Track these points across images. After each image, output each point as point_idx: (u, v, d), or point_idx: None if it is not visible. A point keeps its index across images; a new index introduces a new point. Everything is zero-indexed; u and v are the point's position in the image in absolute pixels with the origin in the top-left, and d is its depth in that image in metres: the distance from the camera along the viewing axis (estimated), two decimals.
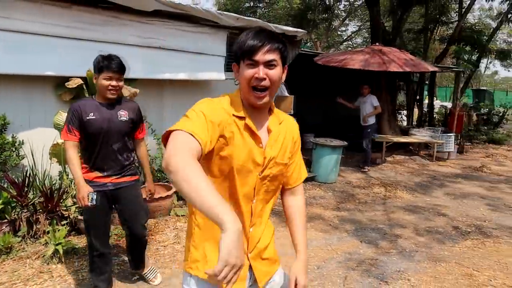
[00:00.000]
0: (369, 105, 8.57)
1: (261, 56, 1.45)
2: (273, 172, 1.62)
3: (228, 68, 6.39)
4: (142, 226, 3.36)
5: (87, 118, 2.96)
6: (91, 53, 4.61)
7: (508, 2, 12.99)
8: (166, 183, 5.45)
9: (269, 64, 1.46)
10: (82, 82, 4.59)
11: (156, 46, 5.32)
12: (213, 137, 1.41)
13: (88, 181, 3.03)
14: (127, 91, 4.85)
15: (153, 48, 5.31)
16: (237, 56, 1.52)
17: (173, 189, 5.28)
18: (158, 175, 5.58)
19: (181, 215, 5.20)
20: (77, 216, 4.40)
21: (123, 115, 3.08)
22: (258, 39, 1.45)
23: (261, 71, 1.45)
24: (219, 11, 5.88)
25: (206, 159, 1.50)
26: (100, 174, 3.08)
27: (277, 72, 1.49)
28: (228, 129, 1.49)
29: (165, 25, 5.39)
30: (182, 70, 5.67)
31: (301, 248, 1.71)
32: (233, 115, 1.53)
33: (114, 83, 2.97)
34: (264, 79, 1.46)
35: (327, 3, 15.88)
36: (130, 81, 5.09)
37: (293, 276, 1.65)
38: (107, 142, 3.03)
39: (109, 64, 2.95)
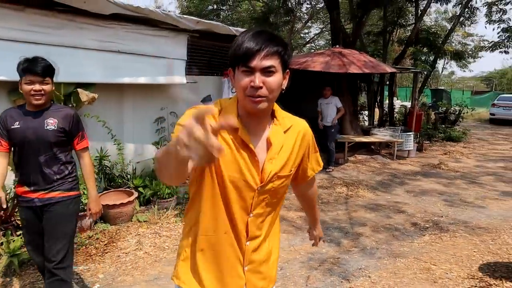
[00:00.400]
0: (333, 106, 8.71)
1: (257, 62, 1.31)
2: (274, 186, 1.50)
3: (188, 72, 6.36)
4: (52, 256, 2.77)
5: (12, 127, 2.70)
6: (46, 57, 4.52)
7: (460, 5, 13.52)
8: (127, 189, 5.37)
9: (266, 71, 1.32)
10: None
11: (115, 50, 5.24)
12: None
13: (18, 196, 2.82)
14: (85, 96, 4.76)
15: (112, 52, 5.22)
16: (232, 61, 1.38)
17: (135, 195, 5.21)
18: (119, 181, 5.49)
19: (143, 221, 5.13)
20: None
21: (50, 123, 2.74)
22: (254, 42, 1.31)
23: (257, 79, 1.31)
24: (178, 15, 5.85)
25: (197, 177, 1.48)
26: (27, 189, 2.78)
27: (276, 80, 1.35)
28: None
29: (124, 29, 5.31)
30: (142, 74, 5.60)
31: (317, 222, 2.09)
32: None
33: (37, 87, 2.66)
34: (261, 87, 1.32)
35: (289, 6, 16.05)
36: (88, 86, 5.00)
37: (317, 236, 2.11)
38: (33, 153, 2.73)
39: (30, 67, 2.66)
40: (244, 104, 1.39)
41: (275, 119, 1.51)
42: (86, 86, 4.97)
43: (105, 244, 4.50)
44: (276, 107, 1.52)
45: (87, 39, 4.91)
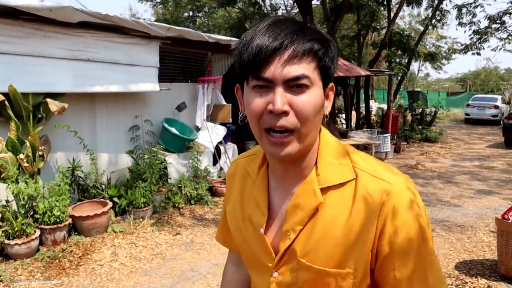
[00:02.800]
0: None
1: (277, 70, 0.80)
2: (300, 281, 0.91)
3: (161, 79, 6.30)
4: None
5: None
6: (13, 67, 4.45)
7: (431, 8, 13.80)
8: (102, 199, 5.26)
9: (294, 86, 0.81)
10: (3, 98, 4.34)
11: (85, 58, 5.15)
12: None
13: None
14: (54, 106, 4.67)
15: (82, 61, 5.13)
16: (238, 71, 0.87)
17: (110, 205, 5.11)
18: (93, 191, 5.38)
19: (119, 231, 5.03)
20: (3, 241, 4.14)
21: None
22: (271, 35, 0.81)
23: (278, 99, 0.80)
24: (149, 22, 5.79)
25: None
26: None
27: (312, 99, 0.83)
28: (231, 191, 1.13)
29: (94, 37, 5.23)
30: (114, 82, 5.52)
31: None
32: (247, 170, 1.08)
33: None
34: (285, 113, 0.81)
35: (265, 11, 16.12)
36: (58, 96, 4.89)
37: None
38: None
39: None
40: (262, 146, 0.90)
41: (314, 167, 0.93)
42: (56, 96, 4.87)
43: (79, 257, 4.39)
44: (325, 145, 0.94)
45: (55, 48, 4.81)
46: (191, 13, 22.84)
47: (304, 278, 0.89)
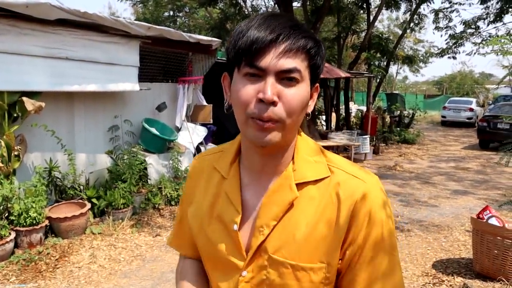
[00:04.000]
0: None
1: (272, 61, 0.82)
2: (271, 277, 0.89)
3: (141, 79, 6.23)
4: None
5: None
6: None
7: (410, 12, 14.05)
8: (80, 200, 5.16)
9: (286, 78, 0.83)
10: None
11: (63, 56, 5.04)
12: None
13: None
14: (31, 105, 4.57)
15: (60, 59, 5.02)
16: (229, 59, 0.89)
17: (88, 206, 5.02)
18: (71, 192, 5.27)
19: (98, 233, 4.95)
20: None
21: None
22: (268, 28, 0.83)
23: (269, 88, 0.81)
24: (129, 20, 5.72)
25: None
26: None
27: (300, 93, 0.85)
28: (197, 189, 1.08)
29: (72, 35, 5.13)
30: (92, 81, 5.43)
31: None
32: (214, 167, 1.05)
33: None
34: (274, 103, 0.82)
35: (246, 12, 16.13)
36: (34, 94, 4.78)
37: None
38: None
39: None
40: (245, 132, 0.89)
41: (291, 163, 0.95)
42: (32, 94, 4.75)
43: (57, 259, 4.30)
44: (302, 142, 0.97)
45: (31, 45, 4.70)
46: (171, 13, 22.71)
47: (275, 274, 0.89)
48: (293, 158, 0.94)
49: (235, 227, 0.92)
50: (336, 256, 0.88)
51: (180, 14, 23.27)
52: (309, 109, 0.93)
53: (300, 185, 0.91)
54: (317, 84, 0.93)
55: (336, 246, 0.88)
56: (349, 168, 0.94)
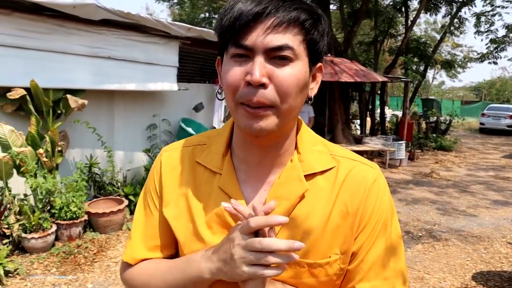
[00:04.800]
0: (307, 115, 8.68)
1: (259, 38, 0.72)
2: (285, 280, 0.83)
3: (179, 79, 6.31)
4: None
5: None
6: (35, 63, 4.49)
7: (449, 15, 13.70)
8: (117, 197, 5.27)
9: (276, 57, 0.74)
10: (25, 92, 4.38)
11: (106, 56, 5.17)
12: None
13: None
14: (74, 102, 4.69)
15: (102, 58, 5.15)
16: (219, 40, 0.80)
17: (125, 203, 5.12)
18: (109, 188, 5.39)
19: None
20: (20, 234, 4.16)
21: None
22: (255, 1, 0.73)
23: (256, 69, 0.72)
24: (169, 21, 5.81)
25: None
26: None
27: (295, 73, 0.75)
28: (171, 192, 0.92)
29: (115, 35, 5.26)
30: (132, 80, 5.54)
31: None
32: (198, 162, 0.92)
33: None
34: (264, 86, 0.73)
35: None
36: (78, 92, 4.92)
37: None
38: None
39: None
40: (236, 120, 0.81)
41: (295, 151, 0.88)
42: (76, 92, 4.90)
43: (94, 253, 4.41)
44: (305, 131, 0.91)
45: (76, 44, 4.84)
46: (207, 14, 22.96)
47: (290, 275, 0.82)
48: (296, 148, 0.88)
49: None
50: (351, 243, 0.85)
51: (216, 16, 23.50)
52: (312, 93, 0.84)
53: (308, 177, 0.85)
54: (320, 64, 0.84)
55: (351, 233, 0.85)
56: (352, 155, 0.92)
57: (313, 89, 0.84)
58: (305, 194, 0.84)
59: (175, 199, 0.91)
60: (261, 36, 0.72)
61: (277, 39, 0.72)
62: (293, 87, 0.75)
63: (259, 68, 0.72)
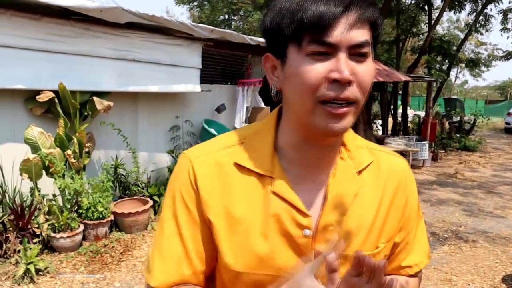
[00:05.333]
0: None
1: (344, 34, 0.71)
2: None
3: (202, 80, 6.35)
4: None
5: None
6: (63, 66, 4.59)
7: (475, 13, 13.44)
8: (142, 197, 5.35)
9: (358, 54, 0.73)
10: (53, 95, 4.48)
11: (130, 58, 5.25)
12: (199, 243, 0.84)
13: None
14: (100, 104, 4.78)
15: (127, 61, 5.24)
16: (279, 34, 0.75)
17: (150, 203, 5.18)
18: (134, 189, 5.47)
19: None
20: (50, 234, 4.26)
21: None
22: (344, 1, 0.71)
23: (344, 66, 0.71)
24: (193, 23, 5.86)
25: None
26: None
27: (371, 70, 0.76)
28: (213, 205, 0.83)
29: (139, 37, 5.33)
30: (156, 82, 5.61)
31: None
32: (240, 165, 0.84)
33: None
34: (349, 83, 0.72)
35: None
36: (104, 94, 5.01)
37: None
38: None
39: None
40: (311, 121, 0.76)
41: (342, 148, 0.87)
42: (102, 94, 4.99)
43: (121, 253, 4.47)
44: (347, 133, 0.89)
45: (102, 47, 4.94)
46: (226, 16, 23.05)
47: (341, 271, 0.76)
48: (344, 144, 0.87)
49: (307, 232, 0.79)
50: (396, 231, 0.91)
51: (235, 18, 23.58)
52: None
53: (360, 172, 0.87)
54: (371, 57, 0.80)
55: (397, 223, 0.90)
56: (383, 148, 0.97)
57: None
58: (360, 187, 0.85)
59: (225, 208, 0.82)
60: (345, 32, 0.70)
61: (359, 35, 0.72)
62: (370, 83, 0.76)
63: (345, 65, 0.71)
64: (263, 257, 0.80)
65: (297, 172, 0.83)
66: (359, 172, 0.86)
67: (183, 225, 0.83)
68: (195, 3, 21.09)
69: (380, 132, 13.45)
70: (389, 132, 13.14)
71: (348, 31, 0.70)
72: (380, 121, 13.57)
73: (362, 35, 0.72)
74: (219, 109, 6.88)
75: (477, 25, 13.91)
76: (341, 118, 0.74)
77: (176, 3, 20.51)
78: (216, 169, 0.84)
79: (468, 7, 13.39)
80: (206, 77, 6.85)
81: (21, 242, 3.99)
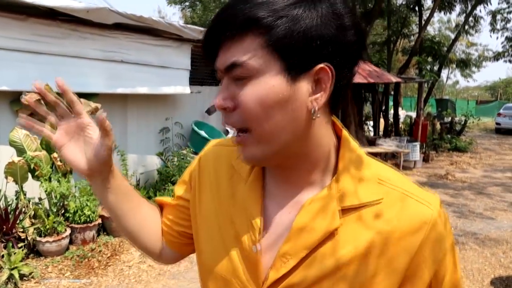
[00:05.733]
0: None
1: (218, 59, 0.66)
2: None
3: (192, 82, 6.31)
4: None
5: None
6: (49, 67, 4.51)
7: (464, 14, 13.53)
8: None
9: (235, 77, 0.65)
10: (39, 97, 4.38)
11: (119, 59, 5.20)
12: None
13: None
14: (88, 106, 4.71)
15: (115, 62, 5.18)
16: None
17: None
18: None
19: None
20: (35, 238, 4.19)
21: None
22: (217, 17, 0.65)
23: (220, 92, 0.68)
24: (182, 24, 5.82)
25: None
26: None
27: (257, 92, 0.63)
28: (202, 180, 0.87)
29: (128, 39, 5.28)
30: (145, 84, 5.56)
31: None
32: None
33: None
34: (228, 109, 0.66)
35: None
36: (91, 96, 4.95)
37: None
38: None
39: None
40: None
41: (332, 176, 0.73)
42: (89, 96, 4.92)
43: (108, 257, 4.42)
44: (347, 147, 0.74)
45: (90, 49, 4.87)
46: None
47: None
48: (336, 168, 0.72)
49: (255, 248, 0.71)
50: None
51: None
52: (316, 104, 0.65)
53: (346, 210, 0.69)
54: (320, 66, 0.63)
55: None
56: (406, 185, 0.73)
57: (318, 99, 0.65)
58: (336, 231, 0.69)
59: (210, 192, 0.83)
60: (220, 55, 0.65)
61: (225, 59, 0.64)
62: (256, 108, 0.63)
63: (222, 92, 0.67)
64: (220, 255, 0.77)
65: (275, 184, 0.76)
66: (348, 210, 0.69)
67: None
68: (187, 3, 21.03)
69: (371, 133, 13.48)
70: (381, 133, 13.15)
71: (223, 53, 0.65)
72: (371, 122, 13.58)
73: (229, 57, 0.63)
74: (210, 111, 6.84)
75: (467, 26, 14.01)
76: (242, 146, 0.69)
77: (168, 3, 20.43)
78: (221, 158, 0.86)
79: (458, 8, 13.49)
80: (196, 79, 6.80)
81: (5, 247, 3.92)
